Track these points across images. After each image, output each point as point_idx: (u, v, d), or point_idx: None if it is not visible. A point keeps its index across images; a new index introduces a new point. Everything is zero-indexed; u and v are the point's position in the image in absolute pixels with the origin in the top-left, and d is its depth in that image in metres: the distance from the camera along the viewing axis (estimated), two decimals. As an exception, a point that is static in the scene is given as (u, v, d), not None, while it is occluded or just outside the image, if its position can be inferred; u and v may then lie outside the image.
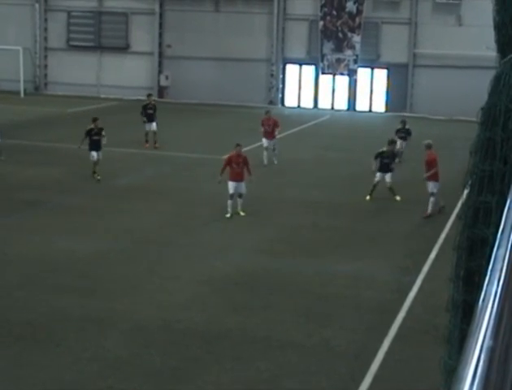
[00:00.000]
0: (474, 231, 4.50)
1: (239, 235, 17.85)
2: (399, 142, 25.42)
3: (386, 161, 21.17)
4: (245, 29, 43.38)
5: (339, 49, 42.07)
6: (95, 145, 22.77)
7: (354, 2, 41.57)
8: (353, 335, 12.34)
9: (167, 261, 15.77)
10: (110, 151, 23.24)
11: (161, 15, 44.80)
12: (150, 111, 28.43)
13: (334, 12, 41.94)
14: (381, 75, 42.31)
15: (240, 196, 19.27)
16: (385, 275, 15.40)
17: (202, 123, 35.78)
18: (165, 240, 17.20)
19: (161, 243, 16.96)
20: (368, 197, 21.18)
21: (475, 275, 4.48)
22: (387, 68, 41.92)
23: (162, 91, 43.55)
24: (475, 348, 1.52)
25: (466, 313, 4.49)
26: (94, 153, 22.71)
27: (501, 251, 1.89)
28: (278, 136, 26.51)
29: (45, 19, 46.42)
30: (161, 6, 44.68)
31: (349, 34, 41.89)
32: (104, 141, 22.92)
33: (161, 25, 44.92)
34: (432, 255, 16.55)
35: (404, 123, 27.01)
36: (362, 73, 42.40)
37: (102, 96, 44.60)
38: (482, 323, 1.58)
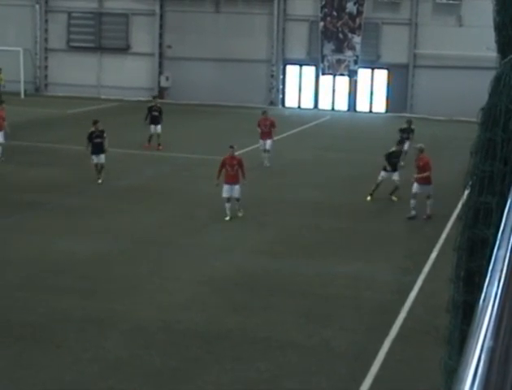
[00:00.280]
0: (474, 232, 4.50)
1: (239, 235, 17.85)
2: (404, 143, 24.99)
3: (395, 160, 21.30)
4: (246, 30, 43.40)
5: (339, 49, 42.08)
6: (97, 148, 22.45)
7: (355, 3, 41.58)
8: (353, 335, 12.34)
9: (167, 261, 15.77)
10: (110, 152, 23.21)
11: (161, 16, 44.81)
12: (155, 113, 28.29)
13: (334, 13, 41.94)
14: (381, 75, 42.33)
15: (237, 200, 19.08)
16: (386, 275, 15.40)
17: (203, 123, 35.79)
18: (165, 241, 17.20)
19: (161, 243, 16.96)
20: (369, 198, 21.18)
21: (475, 276, 4.47)
22: (387, 69, 41.93)
23: (162, 92, 43.56)
24: (475, 348, 1.52)
25: (467, 313, 4.48)
26: (94, 157, 22.42)
27: (502, 252, 1.89)
28: (275, 138, 26.43)
29: (46, 20, 46.44)
30: (161, 7, 44.70)
31: (350, 35, 41.90)
32: (106, 145, 22.53)
33: (161, 26, 44.93)
34: (433, 256, 16.55)
35: (409, 122, 26.56)
36: (363, 74, 42.42)
37: (103, 97, 44.61)
38: (482, 324, 1.58)
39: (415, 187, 19.70)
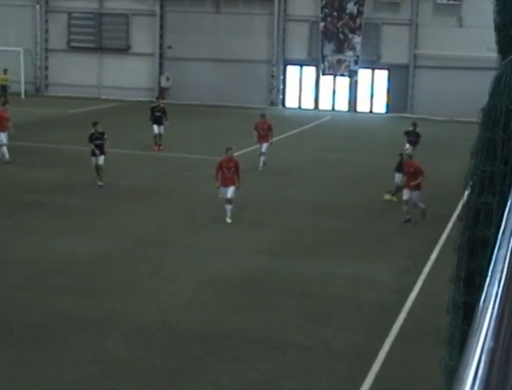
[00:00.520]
0: (474, 233, 4.50)
1: (239, 236, 17.84)
2: (408, 146, 23.42)
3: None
4: (246, 30, 43.40)
5: (339, 50, 42.09)
6: (97, 150, 22.20)
7: (355, 3, 41.59)
8: (353, 336, 12.34)
9: (167, 261, 15.77)
10: (110, 152, 23.20)
11: (161, 17, 44.82)
12: (158, 114, 28.19)
13: (335, 13, 41.95)
14: (382, 76, 42.33)
15: (230, 202, 18.63)
16: (386, 275, 15.40)
17: (203, 124, 35.80)
18: (165, 241, 17.20)
19: (161, 243, 16.96)
20: (394, 198, 21.14)
21: (475, 276, 4.47)
22: (387, 69, 41.94)
23: (162, 92, 43.56)
24: (475, 349, 1.52)
25: (467, 314, 4.48)
26: (93, 159, 22.21)
27: (502, 252, 1.89)
28: (274, 139, 26.38)
29: (46, 21, 46.45)
30: (161, 7, 44.70)
31: (350, 35, 41.90)
32: (105, 147, 22.29)
33: (161, 26, 44.94)
34: (433, 256, 16.54)
35: (415, 125, 25.40)
36: (363, 74, 42.42)
37: (103, 97, 44.63)
38: (483, 324, 1.58)
39: (406, 193, 19.19)
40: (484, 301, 1.68)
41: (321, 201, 21.33)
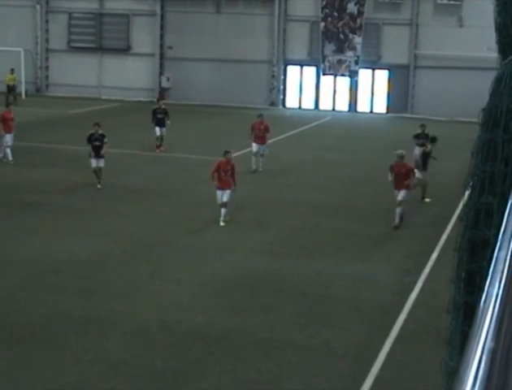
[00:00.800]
0: (475, 233, 4.50)
1: (239, 236, 17.84)
2: (417, 149, 23.14)
3: (428, 159, 21.34)
4: (246, 31, 43.40)
5: (340, 50, 42.09)
6: (95, 152, 21.92)
7: (355, 4, 41.60)
8: (353, 336, 12.33)
9: (168, 262, 15.76)
10: (110, 152, 23.21)
11: (162, 17, 44.82)
12: (160, 116, 28.03)
13: (335, 13, 41.95)
14: (382, 76, 42.33)
15: (225, 205, 18.51)
16: (386, 276, 15.39)
17: (203, 124, 35.80)
18: (165, 241, 17.19)
19: (161, 244, 16.96)
20: (427, 199, 21.22)
21: (476, 277, 4.47)
22: (388, 69, 41.95)
23: (163, 92, 43.57)
24: (476, 349, 1.51)
25: (468, 314, 4.48)
26: (93, 160, 21.94)
27: (502, 253, 1.88)
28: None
29: (47, 21, 46.46)
30: (162, 7, 44.71)
31: (350, 35, 41.91)
32: (104, 149, 21.99)
33: (162, 27, 44.95)
34: (433, 256, 16.54)
35: (423, 127, 24.34)
36: (363, 74, 42.43)
37: (104, 97, 44.64)
38: (483, 325, 1.58)
39: (403, 195, 18.79)
40: (485, 302, 1.67)
41: (321, 201, 21.33)
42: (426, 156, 21.45)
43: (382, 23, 41.72)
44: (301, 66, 43.43)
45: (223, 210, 18.54)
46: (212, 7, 43.96)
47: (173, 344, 11.74)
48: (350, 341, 12.11)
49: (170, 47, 44.96)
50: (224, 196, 18.49)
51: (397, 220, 18.79)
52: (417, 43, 41.38)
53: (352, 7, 41.69)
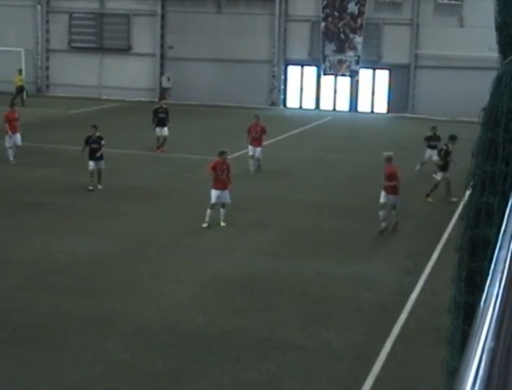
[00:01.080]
0: (476, 232, 4.49)
1: (239, 236, 17.84)
2: (429, 151, 23.44)
3: (447, 159, 21.25)
4: (247, 30, 43.40)
5: (341, 50, 42.08)
6: (93, 154, 21.86)
7: (356, 3, 41.59)
8: (354, 336, 12.32)
9: (168, 262, 15.76)
10: (111, 152, 23.20)
11: (163, 17, 44.82)
12: (162, 115, 27.90)
13: (336, 13, 41.95)
14: (383, 76, 42.32)
15: (224, 206, 18.51)
16: (387, 276, 15.38)
17: (204, 124, 35.79)
18: (165, 241, 17.19)
19: (161, 244, 16.95)
20: (430, 199, 21.17)
21: (476, 277, 4.46)
22: (389, 69, 41.94)
23: (163, 92, 43.57)
24: (476, 349, 1.51)
25: (468, 314, 4.47)
26: (91, 163, 21.83)
27: (503, 253, 1.88)
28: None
29: (47, 21, 46.46)
30: (163, 7, 44.71)
31: (351, 35, 41.90)
32: (101, 150, 21.88)
33: (163, 26, 44.95)
34: (434, 256, 16.53)
35: (435, 129, 24.41)
36: (364, 74, 42.42)
37: (104, 97, 44.63)
38: (483, 325, 1.57)
39: (382, 196, 18.65)
40: (485, 302, 1.67)
41: (321, 201, 21.32)
42: (446, 155, 21.17)
43: (383, 22, 41.71)
44: (302, 66, 43.42)
45: (222, 211, 18.55)
46: (213, 7, 43.96)
47: (173, 344, 11.73)
48: (350, 341, 12.10)
49: (170, 47, 44.96)
50: (224, 197, 18.51)
51: (383, 224, 18.43)
52: (417, 43, 41.37)
53: (352, 7, 41.68)
